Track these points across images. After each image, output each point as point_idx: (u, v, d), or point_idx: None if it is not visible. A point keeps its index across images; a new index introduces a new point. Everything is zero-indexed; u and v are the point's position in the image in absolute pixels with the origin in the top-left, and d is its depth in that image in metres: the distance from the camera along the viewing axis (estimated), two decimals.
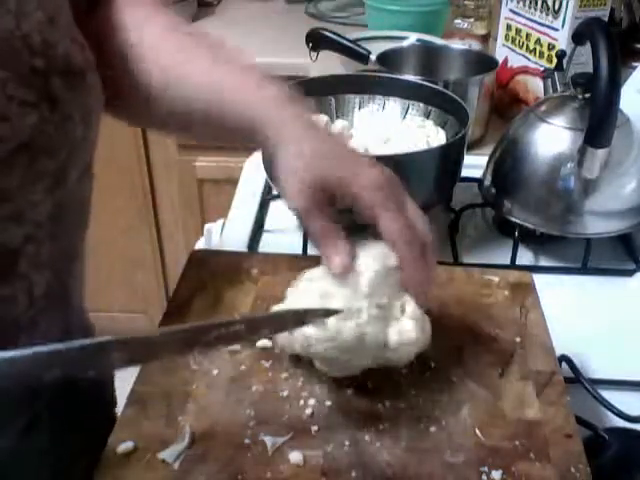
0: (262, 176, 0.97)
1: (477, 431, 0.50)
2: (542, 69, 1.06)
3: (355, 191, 0.51)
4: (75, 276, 0.59)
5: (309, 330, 0.50)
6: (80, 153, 0.54)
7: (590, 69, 0.73)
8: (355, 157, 0.54)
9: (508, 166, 0.85)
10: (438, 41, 1.26)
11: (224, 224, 0.92)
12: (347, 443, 0.49)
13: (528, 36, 1.11)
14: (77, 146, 0.53)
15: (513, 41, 1.15)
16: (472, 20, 1.29)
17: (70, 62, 0.51)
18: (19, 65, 0.46)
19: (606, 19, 1.03)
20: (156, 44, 0.60)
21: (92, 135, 0.55)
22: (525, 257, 0.85)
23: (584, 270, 0.82)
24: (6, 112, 0.45)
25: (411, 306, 0.53)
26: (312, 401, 0.53)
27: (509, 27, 1.15)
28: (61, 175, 0.52)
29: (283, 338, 0.53)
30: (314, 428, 0.50)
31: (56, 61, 0.49)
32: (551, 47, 1.05)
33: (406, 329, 0.52)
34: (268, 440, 0.49)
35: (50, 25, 0.50)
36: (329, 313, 0.49)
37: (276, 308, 0.53)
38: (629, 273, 0.82)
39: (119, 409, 0.53)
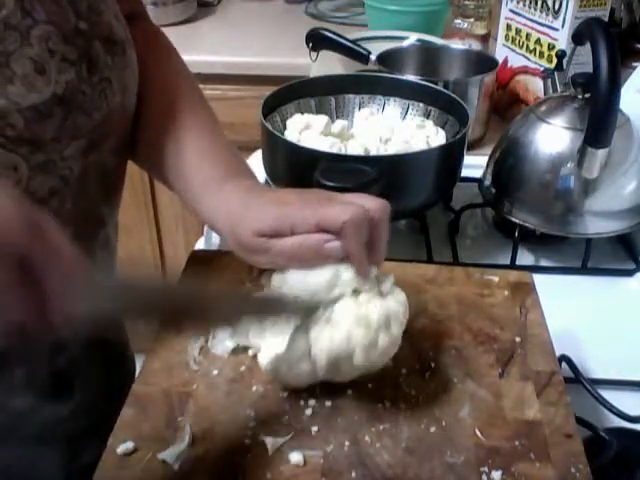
0: (262, 176, 0.97)
1: (477, 431, 0.51)
2: (542, 69, 1.06)
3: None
4: (102, 245, 0.60)
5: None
6: (118, 122, 0.57)
7: (590, 69, 0.73)
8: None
9: (508, 166, 0.85)
10: (438, 41, 1.26)
11: None
12: (347, 443, 0.49)
13: (528, 36, 1.11)
14: (115, 113, 0.56)
15: (513, 41, 1.15)
16: (472, 20, 1.29)
17: (112, 31, 0.55)
18: (64, 23, 0.50)
19: (606, 19, 1.03)
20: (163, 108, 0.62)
21: (129, 109, 0.58)
22: (525, 257, 0.85)
23: (584, 270, 0.82)
24: (45, 65, 0.48)
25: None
26: (312, 401, 0.53)
27: (509, 27, 1.15)
28: (97, 139, 0.55)
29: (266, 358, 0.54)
30: (314, 428, 0.50)
31: (99, 27, 0.53)
32: (551, 47, 1.05)
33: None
34: (268, 440, 0.49)
35: None
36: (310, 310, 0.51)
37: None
38: (629, 273, 0.82)
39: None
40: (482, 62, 1.09)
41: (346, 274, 0.51)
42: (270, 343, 0.52)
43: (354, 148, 0.82)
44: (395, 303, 0.52)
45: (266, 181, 0.98)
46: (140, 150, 0.63)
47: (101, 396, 0.63)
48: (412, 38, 1.27)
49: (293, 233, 0.51)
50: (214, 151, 0.60)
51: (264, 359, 0.52)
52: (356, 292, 0.51)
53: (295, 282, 0.52)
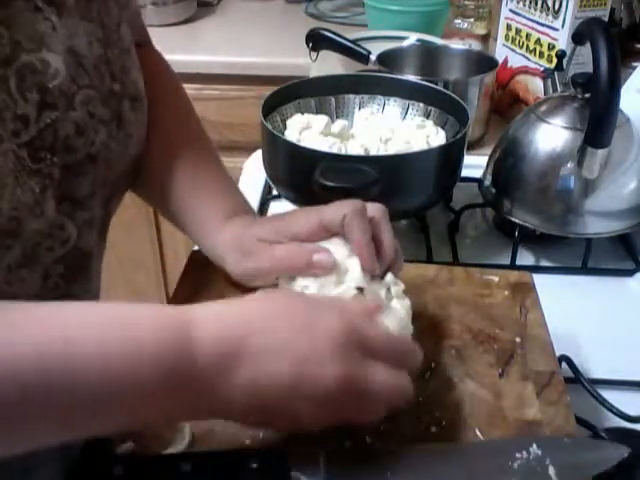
0: (262, 176, 0.97)
1: (477, 431, 0.50)
2: (542, 69, 1.06)
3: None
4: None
5: None
6: (131, 169, 0.60)
7: (590, 69, 0.73)
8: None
9: (508, 166, 0.85)
10: (438, 41, 1.26)
11: None
12: (347, 443, 0.49)
13: (528, 36, 1.11)
14: (132, 164, 0.60)
15: (513, 41, 1.15)
16: (472, 20, 1.29)
17: (137, 88, 0.58)
18: (102, 87, 0.53)
19: (606, 19, 1.03)
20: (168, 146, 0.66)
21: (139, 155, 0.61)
22: (525, 257, 0.85)
23: (584, 270, 0.82)
24: (84, 127, 0.51)
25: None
26: None
27: (509, 27, 1.15)
28: (115, 189, 0.59)
29: None
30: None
31: (128, 86, 0.57)
32: (551, 47, 1.05)
33: None
34: (268, 440, 0.49)
35: (127, 54, 0.57)
36: None
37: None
38: (629, 273, 0.82)
39: None
40: (482, 62, 1.09)
41: (353, 271, 0.51)
42: None
43: (354, 148, 0.82)
44: (399, 307, 0.52)
45: (266, 181, 0.98)
46: (144, 187, 0.68)
47: None
48: (412, 38, 1.27)
49: (295, 237, 0.53)
50: (218, 191, 0.65)
51: None
52: (360, 290, 0.52)
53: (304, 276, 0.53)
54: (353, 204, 0.53)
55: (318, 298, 0.49)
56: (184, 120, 0.69)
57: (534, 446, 0.47)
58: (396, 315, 0.51)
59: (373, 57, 1.11)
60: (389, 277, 0.54)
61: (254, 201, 0.95)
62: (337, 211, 0.52)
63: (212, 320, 0.41)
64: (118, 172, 0.57)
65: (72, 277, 0.54)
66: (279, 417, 0.42)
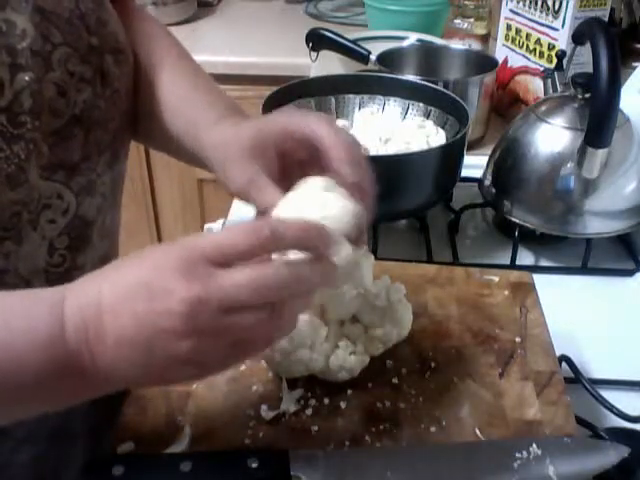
0: None
1: (477, 431, 0.51)
2: (542, 69, 1.06)
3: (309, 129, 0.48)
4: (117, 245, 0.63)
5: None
6: (128, 126, 0.58)
7: (590, 69, 0.73)
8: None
9: (508, 166, 0.85)
10: (438, 41, 1.26)
11: (224, 224, 0.92)
12: (347, 443, 0.49)
13: (528, 36, 1.11)
14: (125, 119, 0.57)
15: (513, 41, 1.15)
16: (472, 20, 1.29)
17: (118, 40, 0.56)
18: (79, 43, 0.50)
19: (606, 19, 1.03)
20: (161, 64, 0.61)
21: (134, 109, 0.59)
22: (525, 257, 0.85)
23: (584, 270, 0.82)
24: (65, 87, 0.49)
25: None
26: (312, 401, 0.53)
27: (509, 27, 1.15)
28: (117, 148, 0.56)
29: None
30: (314, 428, 0.51)
31: (108, 39, 0.54)
32: (551, 47, 1.05)
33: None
34: (268, 440, 0.49)
35: (101, 5, 0.54)
36: None
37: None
38: (629, 273, 0.82)
39: None
40: (482, 62, 1.09)
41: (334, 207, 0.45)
42: None
43: None
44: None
45: None
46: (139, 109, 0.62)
47: None
48: (412, 38, 1.27)
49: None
50: (212, 93, 0.60)
51: None
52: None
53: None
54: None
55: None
56: (164, 37, 0.65)
57: (534, 446, 0.47)
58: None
59: (373, 57, 1.11)
60: (387, 280, 0.54)
61: None
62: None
63: (76, 294, 0.38)
64: (112, 131, 0.55)
65: (77, 248, 0.53)
66: (171, 366, 0.38)
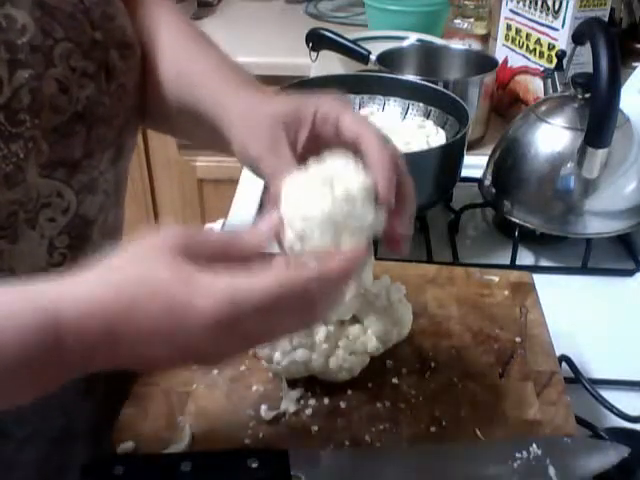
0: None
1: (477, 431, 0.51)
2: (542, 69, 1.06)
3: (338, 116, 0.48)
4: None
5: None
6: (134, 123, 0.57)
7: (590, 69, 0.73)
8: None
9: (508, 166, 0.85)
10: (438, 41, 1.26)
11: (224, 224, 0.92)
12: (347, 443, 0.49)
13: (528, 36, 1.11)
14: (131, 115, 0.56)
15: (513, 41, 1.15)
16: (472, 20, 1.29)
17: (125, 34, 0.54)
18: (82, 37, 0.49)
19: (606, 19, 1.03)
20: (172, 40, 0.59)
21: (141, 105, 0.57)
22: (525, 257, 0.85)
23: (584, 270, 0.82)
24: (67, 83, 0.48)
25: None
26: (312, 401, 0.53)
27: (509, 27, 1.15)
28: (122, 144, 0.55)
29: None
30: (314, 428, 0.51)
31: (114, 33, 0.53)
32: (551, 47, 1.05)
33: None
34: (268, 440, 0.49)
35: (107, 1, 0.53)
36: None
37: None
38: (629, 273, 0.82)
39: None
40: (482, 62, 1.09)
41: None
42: None
43: None
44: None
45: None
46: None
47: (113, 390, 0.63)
48: (412, 38, 1.27)
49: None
50: (232, 64, 0.57)
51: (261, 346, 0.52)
52: None
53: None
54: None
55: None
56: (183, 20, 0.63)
57: (534, 446, 0.47)
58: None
59: (373, 57, 1.11)
60: (387, 280, 0.55)
61: (254, 201, 0.95)
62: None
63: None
64: (117, 127, 0.54)
65: (78, 247, 0.53)
66: (189, 355, 0.39)
